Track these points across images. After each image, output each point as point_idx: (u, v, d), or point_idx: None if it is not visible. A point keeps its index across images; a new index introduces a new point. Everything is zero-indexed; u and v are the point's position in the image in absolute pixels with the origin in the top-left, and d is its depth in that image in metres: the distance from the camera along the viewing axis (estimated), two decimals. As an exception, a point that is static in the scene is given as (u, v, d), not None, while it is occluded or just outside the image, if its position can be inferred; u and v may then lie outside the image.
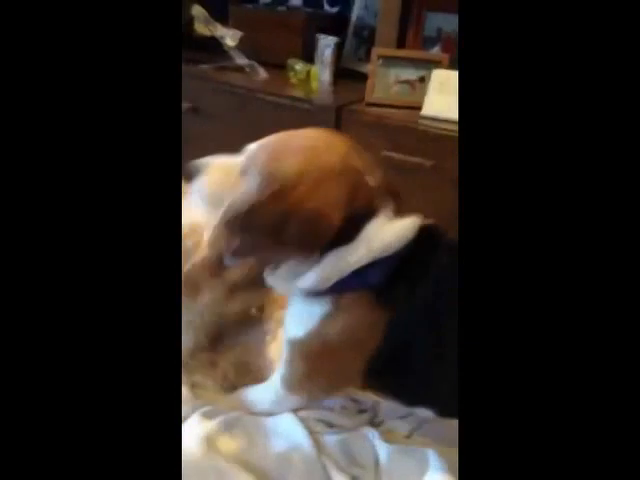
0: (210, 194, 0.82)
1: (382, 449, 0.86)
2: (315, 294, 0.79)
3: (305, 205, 0.72)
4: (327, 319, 0.79)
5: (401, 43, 1.85)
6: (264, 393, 0.91)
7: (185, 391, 0.91)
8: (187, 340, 0.96)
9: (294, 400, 0.89)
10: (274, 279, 0.83)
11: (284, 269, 0.80)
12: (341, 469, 0.83)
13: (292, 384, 0.86)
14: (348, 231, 0.75)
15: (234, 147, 1.89)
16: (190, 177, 0.84)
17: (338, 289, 0.78)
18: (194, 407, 0.89)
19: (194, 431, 0.83)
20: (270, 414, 0.90)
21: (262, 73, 2.01)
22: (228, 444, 0.82)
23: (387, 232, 0.77)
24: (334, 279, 0.77)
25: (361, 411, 0.97)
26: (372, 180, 0.79)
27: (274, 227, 0.73)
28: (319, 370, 0.83)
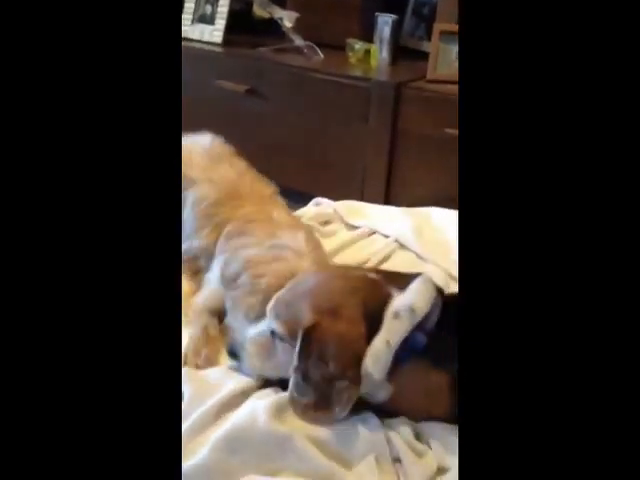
0: None
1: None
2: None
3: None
4: (392, 400, 0.83)
5: (463, 18, 1.80)
6: None
7: None
8: None
9: None
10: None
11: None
12: (406, 442, 0.81)
13: None
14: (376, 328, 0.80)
15: (292, 127, 1.90)
16: None
17: (393, 370, 0.80)
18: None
19: (265, 400, 0.83)
20: None
21: (319, 54, 2.01)
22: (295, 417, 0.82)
23: (404, 301, 0.81)
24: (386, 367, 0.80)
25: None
26: (374, 275, 0.85)
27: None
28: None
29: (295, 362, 0.80)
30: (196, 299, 1.08)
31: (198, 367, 0.93)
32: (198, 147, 1.30)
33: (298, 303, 0.83)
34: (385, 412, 0.85)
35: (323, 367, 0.78)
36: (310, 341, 0.78)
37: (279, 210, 1.16)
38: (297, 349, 0.79)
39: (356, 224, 1.37)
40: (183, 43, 2.16)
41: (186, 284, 1.12)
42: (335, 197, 1.46)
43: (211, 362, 0.94)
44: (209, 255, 1.13)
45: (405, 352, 0.80)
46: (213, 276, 1.09)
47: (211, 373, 0.91)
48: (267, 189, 1.24)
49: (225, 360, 0.95)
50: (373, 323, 0.80)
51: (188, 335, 0.99)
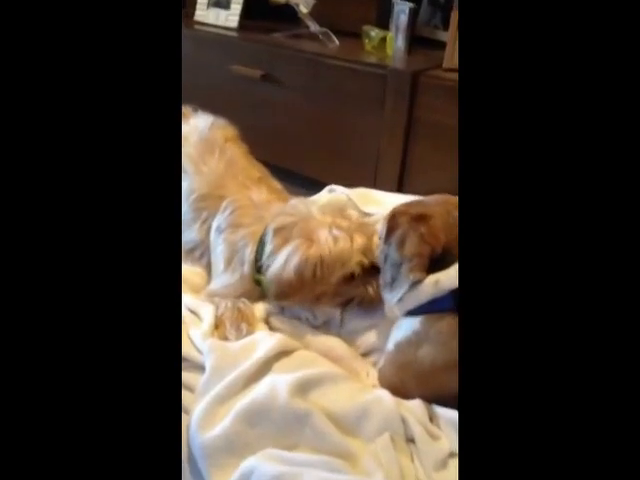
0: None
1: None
2: (408, 314, 0.88)
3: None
4: (417, 337, 0.86)
5: (481, 7, 1.79)
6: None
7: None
8: None
9: None
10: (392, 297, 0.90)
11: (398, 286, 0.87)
12: (421, 424, 0.82)
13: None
14: (445, 262, 0.85)
15: (307, 114, 1.90)
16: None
17: (430, 309, 0.85)
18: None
19: (285, 376, 0.85)
20: None
21: (335, 40, 2.00)
22: (314, 394, 0.84)
23: None
24: (427, 299, 0.85)
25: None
26: None
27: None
28: (411, 386, 0.88)
29: (380, 245, 0.91)
30: (213, 286, 1.13)
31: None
32: (194, 134, 1.31)
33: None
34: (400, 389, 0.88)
35: (398, 251, 0.86)
36: (391, 226, 0.88)
37: (259, 191, 1.19)
38: (383, 233, 0.90)
39: (370, 211, 1.38)
40: (198, 27, 2.16)
41: (197, 274, 1.19)
42: (349, 184, 1.46)
43: (251, 334, 0.99)
44: (204, 248, 1.19)
45: (444, 302, 0.84)
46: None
47: (234, 344, 0.93)
48: (256, 172, 1.26)
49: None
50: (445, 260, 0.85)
51: (212, 314, 1.02)
